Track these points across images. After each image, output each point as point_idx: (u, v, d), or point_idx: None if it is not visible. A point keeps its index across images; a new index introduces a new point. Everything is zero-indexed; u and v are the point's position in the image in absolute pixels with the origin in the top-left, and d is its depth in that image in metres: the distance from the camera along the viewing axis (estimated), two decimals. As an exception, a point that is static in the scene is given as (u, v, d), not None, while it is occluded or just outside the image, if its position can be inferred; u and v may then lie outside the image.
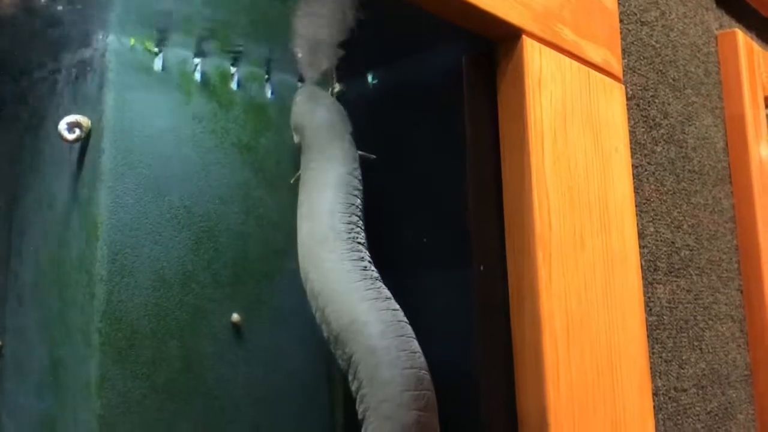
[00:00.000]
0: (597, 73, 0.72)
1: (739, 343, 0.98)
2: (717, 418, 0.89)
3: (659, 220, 0.85)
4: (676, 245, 0.88)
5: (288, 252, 0.67)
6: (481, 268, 0.63)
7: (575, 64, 0.69)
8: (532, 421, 0.60)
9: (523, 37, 0.63)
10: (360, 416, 0.55)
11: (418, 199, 0.70)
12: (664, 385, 0.80)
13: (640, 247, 0.78)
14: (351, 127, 0.69)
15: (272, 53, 0.69)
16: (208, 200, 0.65)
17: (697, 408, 0.86)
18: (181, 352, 0.61)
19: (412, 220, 0.70)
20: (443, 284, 0.67)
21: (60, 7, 0.57)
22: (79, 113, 0.61)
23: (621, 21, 0.83)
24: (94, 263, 0.58)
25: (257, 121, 0.70)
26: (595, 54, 0.72)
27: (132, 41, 0.62)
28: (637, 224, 0.78)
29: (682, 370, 0.84)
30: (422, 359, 0.56)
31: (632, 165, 0.80)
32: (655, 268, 0.82)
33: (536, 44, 0.64)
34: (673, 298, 0.85)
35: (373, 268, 0.60)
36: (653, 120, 0.87)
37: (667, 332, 0.82)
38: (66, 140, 0.60)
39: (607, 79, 0.74)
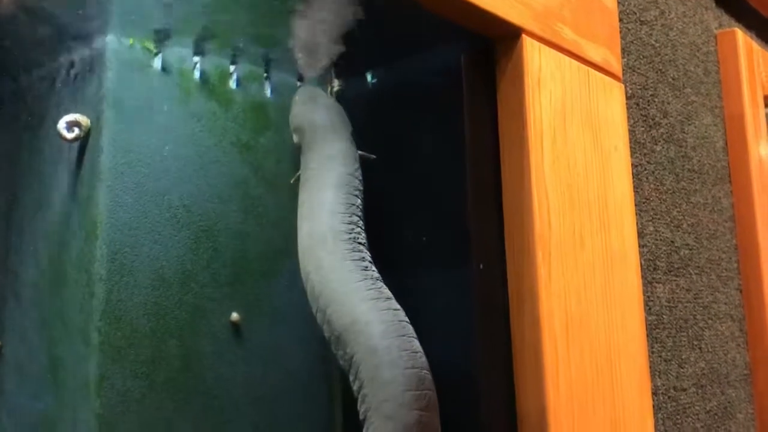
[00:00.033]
0: (597, 73, 0.72)
1: (739, 343, 0.98)
2: (716, 417, 0.89)
3: (659, 219, 0.85)
4: (676, 244, 0.88)
5: (287, 251, 0.67)
6: (481, 267, 0.63)
7: (575, 63, 0.69)
8: (532, 421, 0.60)
9: (523, 36, 0.63)
10: (361, 416, 0.55)
11: (417, 198, 0.70)
12: (664, 385, 0.80)
13: (639, 247, 0.78)
14: (351, 127, 0.69)
15: (271, 52, 0.69)
16: (207, 199, 0.65)
17: (697, 407, 0.86)
18: (180, 352, 0.61)
19: (410, 220, 0.70)
20: (442, 284, 0.67)
21: (59, 6, 0.57)
22: (78, 112, 0.60)
23: (620, 20, 0.83)
24: (93, 262, 0.58)
25: (256, 120, 0.70)
26: (594, 53, 0.72)
27: (131, 40, 0.62)
28: (637, 223, 0.78)
29: (682, 370, 0.84)
30: (423, 359, 0.56)
31: (632, 164, 0.80)
32: (654, 267, 0.82)
33: (536, 43, 0.64)
34: (672, 298, 0.85)
35: (373, 268, 0.60)
36: (653, 119, 0.87)
37: (666, 331, 0.82)
38: (65, 139, 0.60)
39: (607, 79, 0.74)
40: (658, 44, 0.91)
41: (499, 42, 0.65)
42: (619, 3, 0.82)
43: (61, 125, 0.59)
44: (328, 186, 0.63)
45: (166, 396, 0.60)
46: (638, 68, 0.86)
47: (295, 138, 0.69)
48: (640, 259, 0.78)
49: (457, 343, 0.64)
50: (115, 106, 0.60)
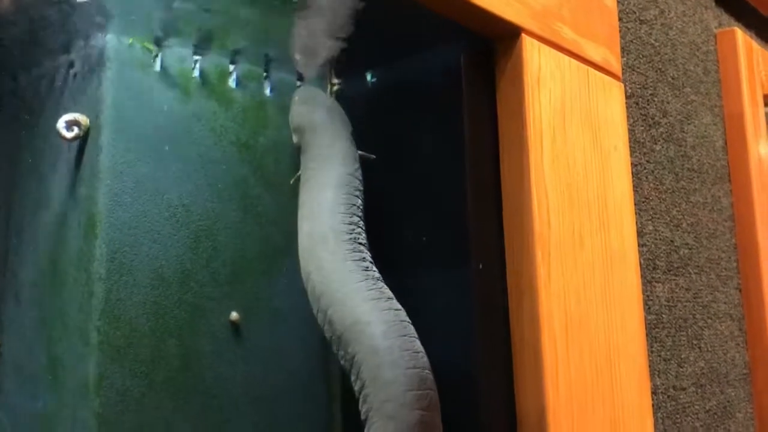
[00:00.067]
0: (596, 72, 0.72)
1: (738, 342, 0.98)
2: (716, 416, 0.89)
3: (658, 218, 0.85)
4: (675, 244, 0.88)
5: (287, 250, 0.67)
6: (480, 266, 0.63)
7: (574, 62, 0.69)
8: (531, 420, 0.60)
9: (523, 35, 0.63)
10: (363, 416, 0.55)
11: (416, 198, 0.70)
12: (663, 384, 0.80)
13: (639, 246, 0.78)
14: (351, 126, 0.69)
15: (271, 51, 0.69)
16: (206, 198, 0.65)
17: (696, 406, 0.86)
18: (179, 351, 0.61)
19: (410, 220, 0.70)
20: (442, 283, 0.67)
21: (58, 5, 0.57)
22: (77, 111, 0.60)
23: (620, 19, 0.83)
24: (92, 261, 0.58)
25: (256, 119, 0.70)
26: (594, 52, 0.72)
27: (130, 39, 0.62)
28: (636, 223, 0.78)
29: (681, 369, 0.84)
30: (425, 359, 0.56)
31: (631, 163, 0.80)
32: (654, 266, 0.82)
33: (535, 43, 0.64)
34: (672, 297, 0.85)
35: (374, 268, 0.60)
36: (652, 118, 0.87)
37: (666, 331, 0.82)
38: (64, 138, 0.60)
39: (607, 78, 0.74)
40: (657, 43, 0.91)
41: (498, 41, 0.65)
42: (618, 2, 0.82)
43: (61, 124, 0.59)
44: (328, 186, 0.63)
45: (165, 395, 0.60)
46: (638, 67, 0.86)
47: (295, 138, 0.69)
48: (640, 258, 0.79)
49: (456, 343, 0.64)
50: (114, 106, 0.60)
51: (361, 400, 0.56)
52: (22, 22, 0.59)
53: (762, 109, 1.08)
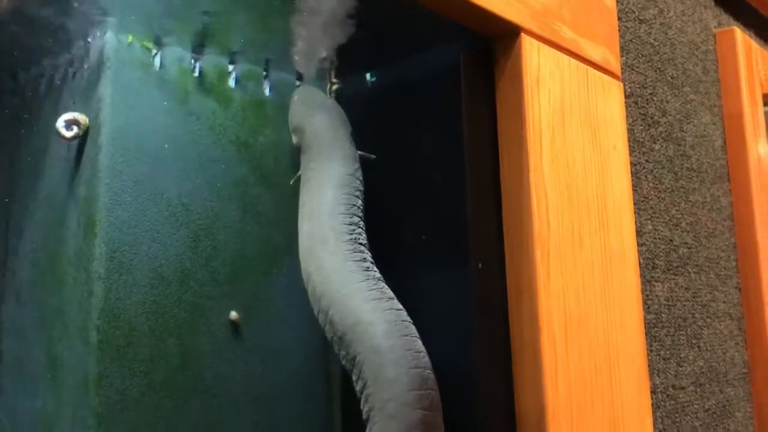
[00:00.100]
0: (595, 71, 0.72)
1: (737, 341, 0.99)
2: (715, 415, 0.90)
3: (657, 218, 0.85)
4: (675, 243, 0.88)
5: (286, 250, 0.67)
6: (480, 266, 0.63)
7: (574, 62, 0.69)
8: (531, 420, 0.60)
9: (522, 35, 0.63)
10: (365, 416, 0.55)
11: (416, 198, 0.70)
12: (662, 383, 0.80)
13: (638, 245, 0.79)
14: (350, 126, 0.69)
15: (270, 51, 0.69)
16: (206, 198, 0.65)
17: (695, 406, 0.86)
18: (179, 350, 0.61)
19: (410, 219, 0.70)
20: (441, 283, 0.67)
21: (58, 4, 0.57)
22: (76, 111, 0.60)
23: (619, 19, 0.83)
24: (92, 261, 0.58)
25: (255, 118, 0.70)
26: (593, 52, 0.72)
27: (130, 38, 0.62)
28: (636, 222, 0.78)
29: (680, 368, 0.84)
30: (426, 359, 0.56)
31: (630, 163, 0.80)
32: (653, 266, 0.82)
33: (535, 42, 0.64)
34: (671, 296, 0.85)
35: (375, 268, 0.60)
36: (651, 118, 0.87)
37: (665, 330, 0.83)
38: (64, 138, 0.60)
39: (606, 77, 0.74)
40: (657, 43, 0.91)
41: (498, 41, 0.65)
42: (618, 2, 0.82)
43: (60, 124, 0.59)
44: (328, 186, 0.63)
45: (164, 395, 0.60)
46: (637, 67, 0.86)
47: (294, 138, 0.69)
48: (639, 257, 0.79)
49: (455, 343, 0.64)
50: (113, 105, 0.60)
51: (362, 400, 0.56)
52: (22, 21, 0.59)
53: (761, 109, 1.08)
